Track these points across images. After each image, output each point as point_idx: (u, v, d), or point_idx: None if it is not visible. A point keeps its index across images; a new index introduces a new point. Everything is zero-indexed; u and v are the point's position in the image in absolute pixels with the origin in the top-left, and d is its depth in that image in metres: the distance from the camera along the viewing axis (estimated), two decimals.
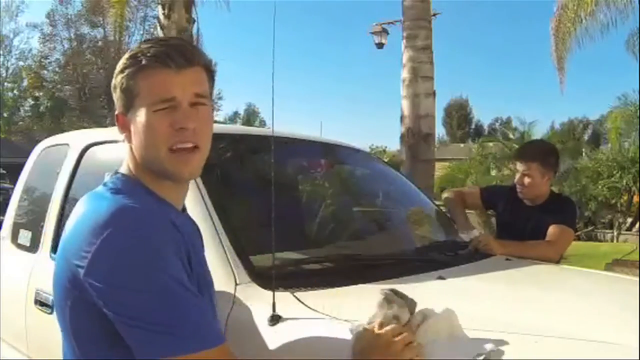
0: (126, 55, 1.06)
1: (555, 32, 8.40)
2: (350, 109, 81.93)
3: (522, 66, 75.71)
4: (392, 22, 12.02)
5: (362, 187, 2.73)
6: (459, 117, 48.84)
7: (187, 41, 1.16)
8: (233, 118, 43.99)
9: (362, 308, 1.34)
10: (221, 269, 1.41)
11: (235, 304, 1.36)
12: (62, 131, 2.97)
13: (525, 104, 65.14)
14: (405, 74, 5.81)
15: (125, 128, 1.06)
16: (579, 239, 13.43)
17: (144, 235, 0.94)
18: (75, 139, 2.23)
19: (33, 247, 2.11)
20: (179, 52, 1.02)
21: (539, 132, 20.00)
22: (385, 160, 4.99)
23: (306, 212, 2.40)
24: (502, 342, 1.09)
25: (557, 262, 2.26)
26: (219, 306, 1.19)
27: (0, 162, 16.25)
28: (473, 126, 50.41)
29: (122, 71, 1.04)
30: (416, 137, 5.67)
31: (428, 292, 1.55)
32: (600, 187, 15.77)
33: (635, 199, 15.88)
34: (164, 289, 0.92)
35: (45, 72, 27.37)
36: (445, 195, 2.70)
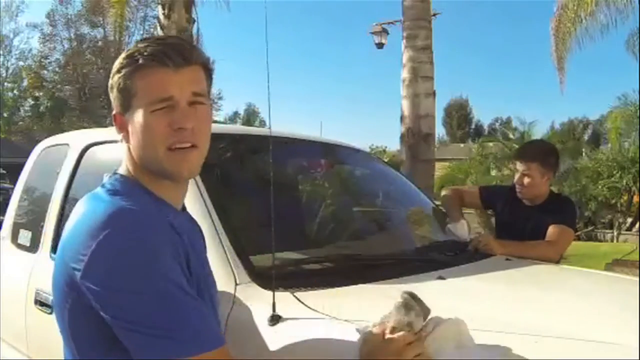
0: (123, 55, 1.05)
1: (555, 32, 8.40)
2: (350, 109, 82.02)
3: (522, 66, 75.84)
4: (392, 22, 12.02)
5: (362, 187, 2.74)
6: (459, 117, 48.84)
7: (185, 39, 1.15)
8: (233, 118, 44.01)
9: (362, 308, 1.35)
10: (221, 269, 1.41)
11: (235, 304, 1.36)
12: (62, 131, 2.97)
13: (525, 104, 65.24)
14: (405, 74, 5.81)
15: (122, 128, 1.05)
16: (579, 239, 13.43)
17: (141, 237, 0.93)
18: (75, 139, 2.23)
19: (33, 247, 2.11)
20: (177, 51, 1.01)
21: (539, 132, 20.02)
22: (385, 160, 4.99)
23: (306, 212, 2.40)
24: (509, 351, 1.08)
25: (557, 262, 2.26)
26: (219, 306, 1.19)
27: (0, 162, 16.25)
28: (473, 126, 50.42)
29: (119, 71, 1.03)
30: (416, 137, 5.67)
31: (428, 292, 1.55)
32: (600, 187, 15.77)
33: (635, 199, 15.88)
34: (162, 292, 0.91)
35: (45, 72, 27.37)
36: (443, 192, 2.70)
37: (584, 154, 20.92)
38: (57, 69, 27.54)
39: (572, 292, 1.73)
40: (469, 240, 2.19)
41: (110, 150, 1.84)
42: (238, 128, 4.79)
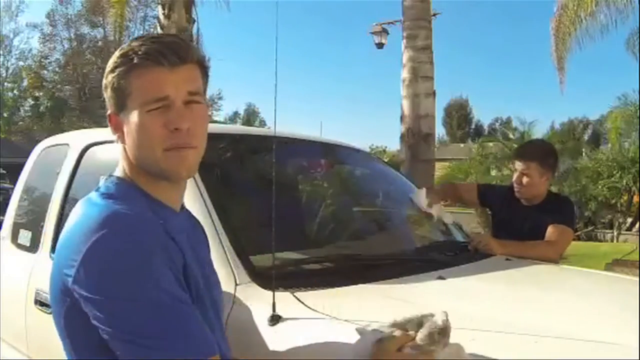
0: (117, 54, 1.03)
1: (555, 32, 8.39)
2: (350, 109, 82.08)
3: (522, 66, 75.88)
4: (392, 22, 12.03)
5: (362, 187, 2.74)
6: (459, 117, 48.86)
7: (180, 37, 1.12)
8: (233, 118, 44.03)
9: (362, 308, 1.35)
10: (221, 269, 1.40)
11: (235, 304, 1.36)
12: (62, 131, 2.97)
13: (525, 104, 65.24)
14: (405, 74, 5.80)
15: (117, 128, 1.04)
16: (579, 239, 13.44)
17: (133, 243, 0.91)
18: (75, 139, 2.23)
19: (33, 247, 2.11)
20: (172, 50, 0.99)
21: (539, 132, 19.99)
22: (385, 160, 4.99)
23: (306, 212, 2.40)
24: None
25: (557, 262, 2.26)
26: None
27: (0, 162, 16.25)
28: (473, 126, 50.44)
29: (113, 70, 1.01)
30: (416, 137, 5.66)
31: (428, 292, 1.56)
32: (600, 187, 15.76)
33: (635, 199, 15.88)
34: (153, 300, 0.89)
35: (45, 72, 27.37)
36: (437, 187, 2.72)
37: (584, 154, 20.91)
38: (57, 69, 27.55)
39: (572, 292, 1.73)
40: (423, 206, 2.27)
41: (110, 150, 1.83)
42: (238, 128, 4.79)
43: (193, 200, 1.48)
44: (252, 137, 2.35)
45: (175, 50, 1.00)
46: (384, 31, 12.57)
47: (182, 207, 1.13)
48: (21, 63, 27.28)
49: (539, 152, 2.48)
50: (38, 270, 1.95)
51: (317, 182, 2.65)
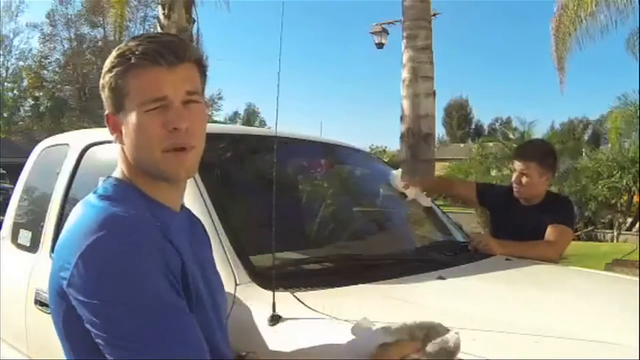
0: (114, 54, 1.02)
1: (555, 32, 8.39)
2: (350, 109, 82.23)
3: (522, 66, 76.07)
4: (392, 22, 12.03)
5: (362, 187, 2.73)
6: (459, 117, 48.90)
7: (177, 37, 1.11)
8: (233, 118, 44.05)
9: (362, 308, 1.34)
10: (221, 269, 1.40)
11: (235, 304, 1.36)
12: (62, 131, 2.97)
13: (525, 104, 65.39)
14: (405, 74, 5.80)
15: (115, 129, 1.03)
16: (579, 239, 13.43)
17: (129, 246, 0.90)
18: (75, 139, 2.23)
19: (33, 247, 2.11)
20: (169, 49, 0.98)
21: (539, 132, 19.99)
22: (385, 160, 4.99)
23: (306, 212, 2.40)
24: None
25: (556, 262, 2.26)
26: None
27: (0, 162, 16.25)
28: (473, 126, 50.49)
29: (110, 70, 1.00)
30: (416, 137, 5.66)
31: (428, 292, 1.56)
32: (600, 187, 15.76)
33: (635, 199, 15.88)
34: (145, 306, 0.88)
35: (45, 72, 27.37)
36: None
37: (584, 154, 20.90)
38: (57, 69, 27.55)
39: (572, 292, 1.73)
40: (399, 187, 2.34)
41: (110, 150, 1.83)
42: (238, 128, 4.80)
43: (193, 200, 1.48)
44: (252, 137, 2.35)
45: (173, 49, 0.99)
46: (384, 31, 12.57)
47: (182, 206, 1.12)
48: (21, 63, 27.34)
49: (538, 152, 2.47)
50: (38, 270, 1.95)
51: (317, 182, 2.65)
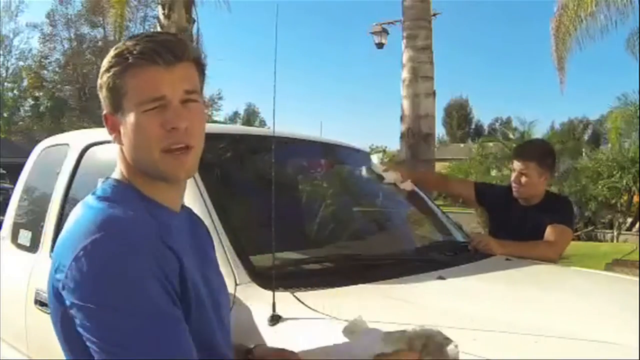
0: (111, 53, 1.01)
1: (555, 32, 8.39)
2: (350, 109, 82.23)
3: (522, 66, 76.09)
4: (392, 22, 12.03)
5: (362, 187, 2.73)
6: (459, 117, 48.91)
7: (175, 35, 1.10)
8: (233, 118, 44.07)
9: (362, 308, 1.34)
10: (221, 269, 1.39)
11: (235, 304, 1.35)
12: (62, 131, 2.97)
13: (525, 104, 65.39)
14: (405, 74, 5.80)
15: (114, 129, 1.02)
16: (579, 239, 13.44)
17: (124, 249, 0.89)
18: (75, 139, 2.23)
19: (33, 247, 2.11)
20: (167, 48, 0.97)
21: (539, 132, 19.99)
22: (386, 161, 4.98)
23: (306, 212, 2.40)
24: None
25: (556, 262, 2.25)
26: None
27: (0, 162, 16.25)
28: (473, 126, 50.50)
29: (108, 70, 0.99)
30: (416, 137, 5.66)
31: (428, 292, 1.56)
32: (600, 187, 15.76)
33: (635, 199, 15.88)
34: (137, 312, 0.87)
35: (45, 72, 27.39)
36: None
37: (584, 154, 20.90)
38: (57, 69, 27.57)
39: (572, 292, 1.73)
40: (379, 170, 2.35)
41: (110, 150, 1.83)
42: (238, 128, 4.80)
43: (193, 200, 1.48)
44: (252, 137, 2.35)
45: (171, 48, 0.98)
46: (384, 31, 12.57)
47: (183, 206, 1.11)
48: (21, 63, 27.36)
49: (537, 151, 2.47)
50: (38, 270, 1.95)
51: (317, 182, 2.65)
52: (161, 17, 7.00)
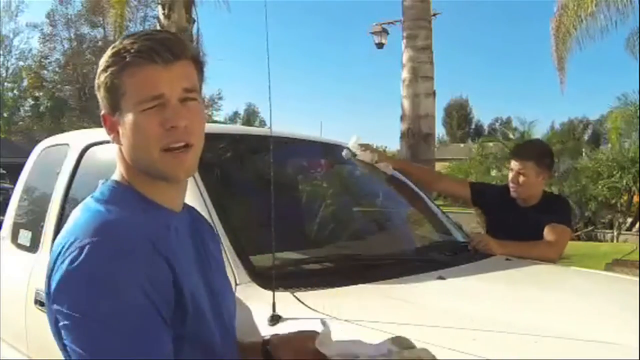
0: (108, 52, 1.00)
1: (555, 32, 8.39)
2: (350, 109, 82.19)
3: (522, 66, 76.06)
4: (392, 22, 12.03)
5: (362, 187, 2.74)
6: (459, 117, 48.91)
7: (173, 34, 1.09)
8: (233, 118, 44.07)
9: (362, 308, 1.35)
10: None
11: (235, 304, 1.35)
12: (62, 131, 2.97)
13: (525, 104, 65.39)
14: (405, 74, 5.80)
15: (112, 129, 1.01)
16: (579, 239, 13.44)
17: (114, 258, 0.87)
18: (75, 139, 2.23)
19: (33, 247, 2.11)
20: (165, 46, 0.96)
21: (539, 132, 19.99)
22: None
23: (306, 212, 2.40)
24: None
25: (555, 261, 2.25)
26: None
27: (0, 162, 16.25)
28: (473, 126, 50.51)
29: (105, 69, 0.98)
30: (416, 137, 5.66)
31: (428, 292, 1.56)
32: (600, 187, 15.77)
33: (635, 199, 15.88)
34: (118, 322, 0.85)
35: (45, 72, 27.39)
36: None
37: (584, 154, 20.90)
38: (57, 69, 27.57)
39: (572, 292, 1.73)
40: (357, 152, 2.33)
41: (110, 150, 1.83)
42: (238, 128, 4.80)
43: (193, 200, 1.47)
44: (252, 137, 2.35)
45: (169, 46, 0.97)
46: (384, 31, 12.57)
47: (185, 205, 1.09)
48: (21, 63, 27.36)
49: (535, 151, 2.47)
50: (38, 270, 1.95)
51: (317, 182, 2.65)
52: (161, 17, 7.01)
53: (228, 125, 6.03)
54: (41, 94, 27.14)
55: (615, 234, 15.48)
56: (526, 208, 2.42)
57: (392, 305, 1.39)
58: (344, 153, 2.37)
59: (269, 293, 1.27)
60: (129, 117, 0.97)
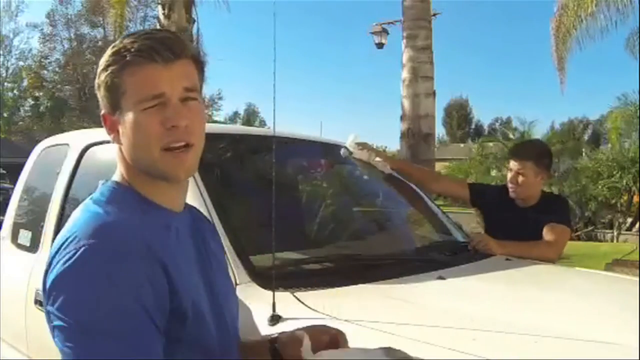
0: (108, 52, 0.99)
1: (555, 32, 8.39)
2: (350, 109, 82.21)
3: (522, 66, 76.09)
4: (392, 22, 12.03)
5: (362, 187, 2.74)
6: (459, 117, 48.92)
7: (173, 33, 1.09)
8: (233, 118, 44.07)
9: (362, 308, 1.35)
10: None
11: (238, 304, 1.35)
12: (62, 131, 2.98)
13: (525, 104, 65.41)
14: (405, 74, 5.80)
15: (112, 129, 1.00)
16: (579, 239, 13.44)
17: (108, 265, 0.87)
18: (75, 139, 2.23)
19: (33, 247, 2.11)
20: (165, 46, 0.96)
21: (539, 132, 20.00)
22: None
23: (306, 212, 2.40)
24: None
25: (555, 261, 2.25)
26: None
27: (0, 162, 16.25)
28: (473, 126, 50.51)
29: (105, 69, 0.98)
30: (416, 137, 5.66)
31: (428, 292, 1.56)
32: (600, 187, 15.77)
33: (635, 199, 15.88)
34: (102, 331, 0.84)
35: (45, 72, 27.40)
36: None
37: (584, 154, 20.91)
38: (57, 69, 27.58)
39: (572, 292, 1.73)
40: (345, 153, 2.34)
41: (110, 150, 1.83)
42: (238, 128, 4.80)
43: (193, 200, 1.47)
44: (252, 137, 2.36)
45: (169, 45, 0.97)
46: (384, 31, 12.57)
47: (186, 205, 1.09)
48: (21, 63, 27.37)
49: (534, 151, 2.47)
50: (38, 270, 1.95)
51: (317, 182, 2.65)
52: (161, 17, 7.01)
53: (228, 125, 6.04)
54: (41, 94, 27.15)
55: (615, 234, 15.49)
56: (525, 208, 2.41)
57: (392, 305, 1.39)
58: (341, 151, 2.38)
59: (269, 293, 1.27)
60: (129, 116, 0.96)
